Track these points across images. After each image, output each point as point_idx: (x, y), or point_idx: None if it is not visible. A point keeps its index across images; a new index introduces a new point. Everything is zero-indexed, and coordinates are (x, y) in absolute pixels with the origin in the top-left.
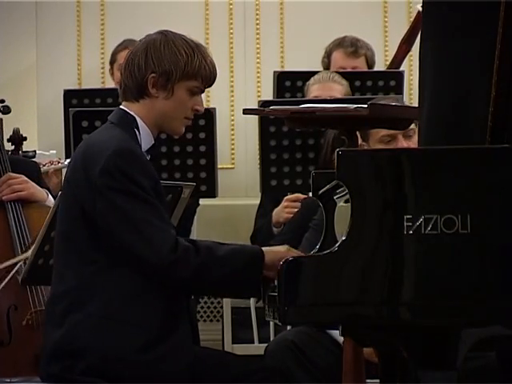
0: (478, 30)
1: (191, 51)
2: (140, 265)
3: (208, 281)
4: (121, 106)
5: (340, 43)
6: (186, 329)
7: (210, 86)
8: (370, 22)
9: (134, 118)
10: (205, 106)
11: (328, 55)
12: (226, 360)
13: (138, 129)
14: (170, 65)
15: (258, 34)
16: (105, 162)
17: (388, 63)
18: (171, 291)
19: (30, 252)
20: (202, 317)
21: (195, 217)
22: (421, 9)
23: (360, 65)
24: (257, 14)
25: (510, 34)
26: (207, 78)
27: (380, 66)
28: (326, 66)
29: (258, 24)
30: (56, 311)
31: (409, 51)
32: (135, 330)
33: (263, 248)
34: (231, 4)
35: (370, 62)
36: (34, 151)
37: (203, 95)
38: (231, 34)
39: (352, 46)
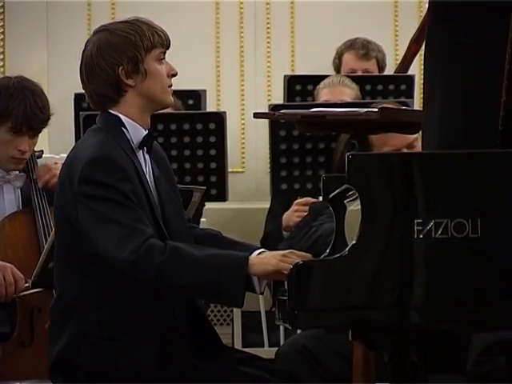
0: (488, 33)
1: (136, 27)
2: (111, 266)
3: (175, 282)
4: (106, 109)
5: (351, 45)
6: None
7: (168, 46)
8: (381, 23)
9: (119, 117)
10: (215, 110)
11: (339, 56)
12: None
13: (125, 126)
14: (129, 49)
15: (268, 37)
16: (81, 171)
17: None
18: (161, 300)
19: None
20: (212, 320)
21: (205, 220)
22: None
23: (371, 67)
24: (267, 18)
25: None
26: (164, 40)
27: (390, 66)
28: (337, 68)
29: (268, 28)
30: (55, 319)
31: (418, 51)
32: (127, 345)
33: (255, 257)
34: (242, 8)
35: (381, 64)
36: (42, 151)
37: (213, 97)
38: (241, 37)
39: (363, 48)
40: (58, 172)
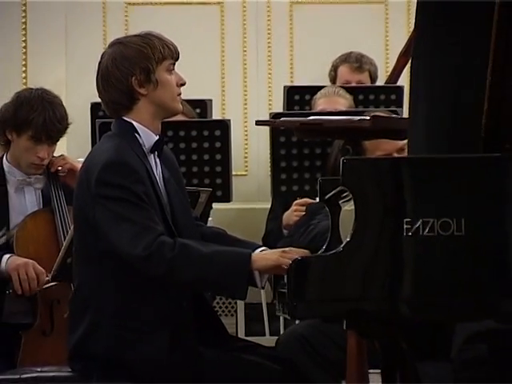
0: (471, 45)
1: (148, 40)
2: (126, 262)
3: (183, 276)
4: (120, 116)
5: (346, 59)
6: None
7: (177, 58)
8: (373, 38)
9: (132, 124)
10: (220, 118)
11: (335, 69)
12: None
13: (138, 132)
14: (141, 60)
15: (269, 51)
16: (98, 173)
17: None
18: (170, 293)
19: None
20: (217, 311)
21: (212, 219)
22: None
23: (364, 79)
24: (268, 33)
25: (501, 48)
26: (173, 52)
27: (381, 77)
28: (333, 79)
29: (269, 42)
30: (73, 310)
31: (406, 63)
32: (138, 335)
33: (257, 254)
34: (245, 24)
35: (374, 76)
36: (62, 156)
37: (218, 106)
38: (244, 51)
39: (357, 61)
40: (72, 162)
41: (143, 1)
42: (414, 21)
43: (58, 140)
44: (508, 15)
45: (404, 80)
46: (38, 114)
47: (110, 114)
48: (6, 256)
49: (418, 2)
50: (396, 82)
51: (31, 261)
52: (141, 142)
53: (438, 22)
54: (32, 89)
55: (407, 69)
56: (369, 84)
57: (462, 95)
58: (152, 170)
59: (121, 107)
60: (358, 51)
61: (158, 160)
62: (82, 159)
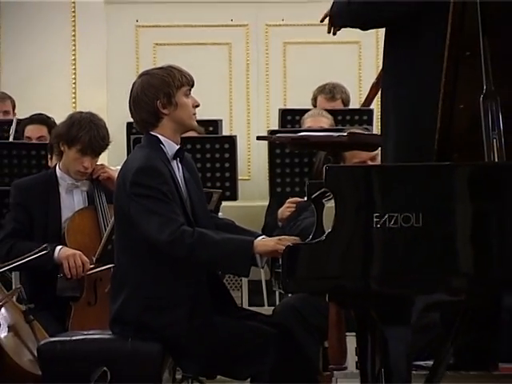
0: (426, 78)
1: (169, 71)
2: (155, 245)
3: (200, 257)
4: (148, 131)
5: (322, 90)
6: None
7: (193, 85)
8: (348, 69)
9: (157, 137)
10: (229, 134)
11: (314, 98)
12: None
13: (162, 143)
14: (164, 87)
15: (267, 81)
16: (132, 177)
17: (362, 99)
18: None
19: None
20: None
21: (222, 215)
22: None
23: (337, 105)
24: (266, 67)
25: (450, 79)
26: (189, 80)
27: (356, 100)
28: (314, 105)
29: (267, 75)
30: (114, 286)
31: (377, 92)
32: (165, 304)
33: (258, 240)
34: (248, 61)
35: (346, 102)
36: (102, 165)
37: (227, 125)
38: (248, 81)
39: (330, 92)
40: (110, 171)
41: (168, 42)
42: (382, 58)
43: (100, 154)
44: (455, 54)
45: (373, 104)
46: (86, 133)
47: (140, 130)
48: (58, 247)
49: (384, 45)
50: (369, 105)
51: (78, 252)
52: (165, 150)
53: (399, 61)
54: (82, 112)
55: (378, 98)
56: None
57: (420, 117)
58: (174, 173)
59: (148, 124)
60: (333, 82)
61: (179, 165)
62: (119, 166)
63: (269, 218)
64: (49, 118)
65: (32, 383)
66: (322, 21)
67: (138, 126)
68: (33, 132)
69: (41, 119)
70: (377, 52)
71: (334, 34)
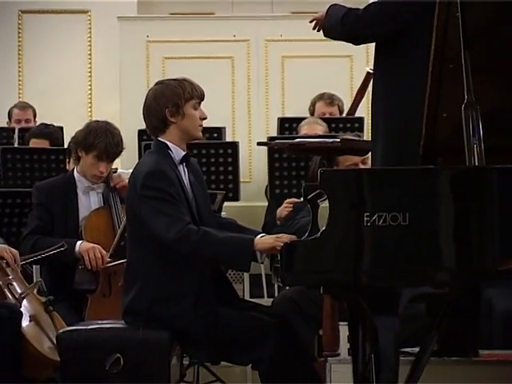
0: (412, 91)
1: (181, 83)
2: (163, 243)
3: (205, 254)
4: (157, 137)
5: (321, 96)
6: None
7: (203, 98)
8: (341, 81)
9: (166, 143)
10: (232, 141)
11: (313, 104)
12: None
13: (170, 149)
14: (174, 98)
15: (267, 92)
16: (142, 180)
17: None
18: (197, 270)
19: None
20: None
21: (225, 214)
22: (369, 70)
23: (335, 111)
24: (266, 79)
25: (434, 91)
26: (199, 93)
27: (348, 108)
28: (311, 112)
29: (266, 86)
30: (126, 279)
31: (363, 97)
32: (173, 297)
33: (258, 238)
34: (249, 74)
35: (341, 110)
36: (116, 168)
37: (230, 132)
38: (249, 92)
39: (329, 98)
40: (125, 180)
41: (177, 56)
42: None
43: (115, 159)
44: (439, 67)
45: (364, 113)
46: (102, 140)
47: (150, 134)
48: (79, 242)
49: (375, 57)
50: (355, 111)
51: (98, 246)
52: (172, 156)
53: (388, 72)
54: (99, 121)
55: (367, 106)
56: (338, 115)
57: (407, 124)
58: (181, 176)
59: (157, 130)
60: (330, 92)
61: (186, 169)
62: (131, 170)
63: (268, 217)
64: (48, 126)
65: (51, 368)
66: (311, 22)
67: (148, 130)
68: (37, 144)
69: (44, 133)
70: (367, 65)
71: (319, 30)
